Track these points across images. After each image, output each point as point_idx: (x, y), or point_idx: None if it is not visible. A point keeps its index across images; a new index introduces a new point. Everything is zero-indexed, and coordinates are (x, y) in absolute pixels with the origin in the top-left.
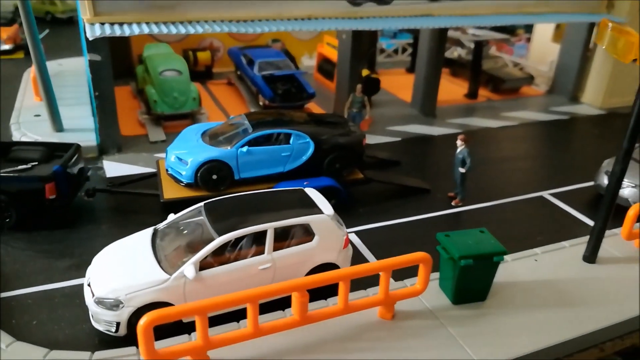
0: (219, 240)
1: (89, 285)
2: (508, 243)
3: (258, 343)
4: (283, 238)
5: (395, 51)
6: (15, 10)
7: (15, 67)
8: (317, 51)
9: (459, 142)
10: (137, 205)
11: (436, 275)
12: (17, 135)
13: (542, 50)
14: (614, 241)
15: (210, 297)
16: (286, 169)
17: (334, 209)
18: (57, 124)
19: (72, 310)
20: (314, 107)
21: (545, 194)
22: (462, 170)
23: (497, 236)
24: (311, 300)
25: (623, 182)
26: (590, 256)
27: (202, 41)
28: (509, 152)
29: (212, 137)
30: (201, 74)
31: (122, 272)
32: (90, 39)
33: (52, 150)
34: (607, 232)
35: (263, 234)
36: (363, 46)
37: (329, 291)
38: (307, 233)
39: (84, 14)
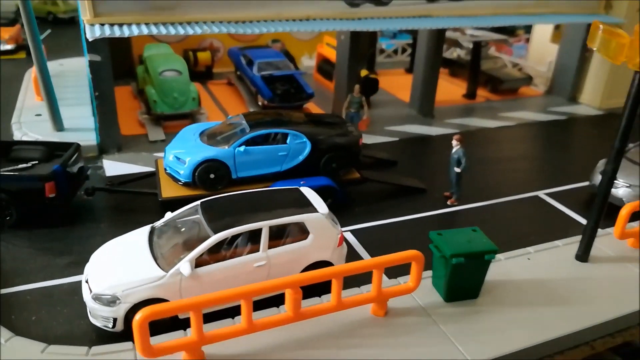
0: (215, 238)
1: (87, 281)
2: (502, 242)
3: (252, 339)
4: (278, 236)
5: (395, 51)
6: (17, 11)
7: (17, 67)
8: (316, 51)
9: (454, 142)
10: (135, 203)
11: (429, 273)
12: (18, 135)
13: (541, 50)
14: (607, 240)
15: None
16: (283, 168)
17: (331, 208)
18: (58, 124)
19: (70, 306)
20: (313, 107)
21: (541, 194)
22: (457, 170)
23: (492, 235)
24: (306, 297)
25: (618, 182)
26: (583, 255)
27: (203, 42)
28: (506, 153)
29: (210, 137)
30: (201, 74)
31: (119, 269)
32: (90, 39)
33: (52, 150)
34: (601, 232)
35: (258, 232)
36: (362, 47)
37: (323, 289)
38: (301, 231)
39: (84, 14)
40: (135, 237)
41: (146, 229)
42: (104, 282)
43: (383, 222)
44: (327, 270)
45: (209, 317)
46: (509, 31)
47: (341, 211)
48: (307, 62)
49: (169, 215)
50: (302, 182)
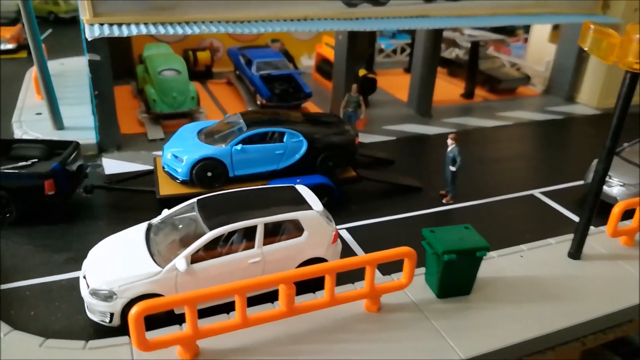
0: (210, 235)
1: (84, 277)
2: (497, 240)
3: (246, 333)
4: (273, 233)
5: (394, 51)
6: (18, 10)
7: (18, 67)
8: (315, 51)
9: (449, 141)
10: (134, 201)
11: (422, 270)
12: (18, 133)
13: (539, 50)
14: (599, 238)
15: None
16: (280, 166)
17: (327, 206)
18: (58, 123)
19: (68, 301)
20: (311, 106)
21: (536, 193)
22: (452, 168)
23: (487, 233)
24: (301, 293)
25: (612, 181)
26: (575, 253)
27: (202, 41)
28: (503, 152)
29: (208, 136)
30: (201, 74)
31: (116, 264)
32: (89, 39)
33: (51, 148)
34: (594, 230)
35: (253, 229)
36: (360, 46)
37: (317, 286)
38: (296, 228)
39: (84, 14)
40: (133, 233)
41: (143, 226)
42: (101, 278)
43: (379, 220)
44: (320, 266)
45: (205, 313)
46: (509, 31)
47: (338, 209)
48: (307, 62)
49: (165, 212)
50: (298, 180)
